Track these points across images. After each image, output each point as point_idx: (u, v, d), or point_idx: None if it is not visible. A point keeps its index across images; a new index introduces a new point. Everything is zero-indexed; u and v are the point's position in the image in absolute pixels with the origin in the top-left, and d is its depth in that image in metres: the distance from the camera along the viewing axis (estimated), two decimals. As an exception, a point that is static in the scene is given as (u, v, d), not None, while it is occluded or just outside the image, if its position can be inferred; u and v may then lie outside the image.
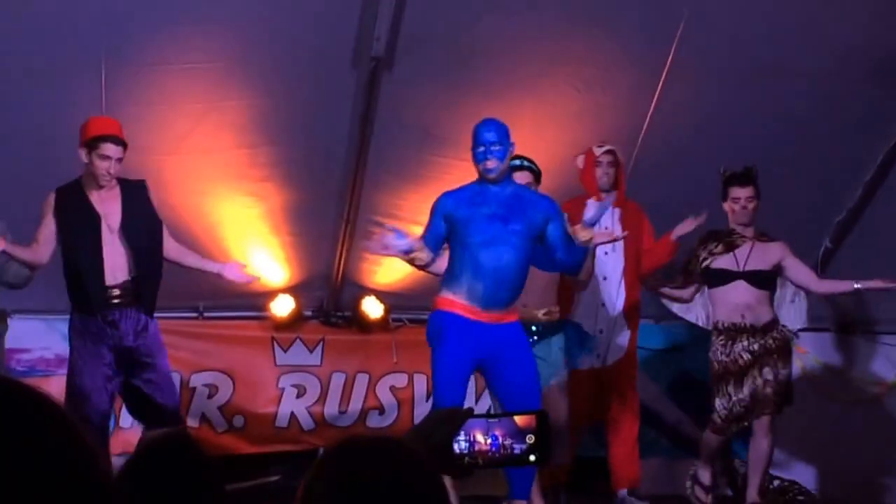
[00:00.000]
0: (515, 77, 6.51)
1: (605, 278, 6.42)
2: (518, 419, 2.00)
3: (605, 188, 6.30)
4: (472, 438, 1.97)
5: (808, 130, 6.19)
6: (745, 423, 6.41)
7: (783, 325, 6.57)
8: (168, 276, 5.85)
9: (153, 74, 6.14)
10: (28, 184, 6.03)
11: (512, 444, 1.99)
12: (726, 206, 6.38)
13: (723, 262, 6.40)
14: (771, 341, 6.37)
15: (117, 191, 5.77)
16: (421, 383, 7.15)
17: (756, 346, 6.35)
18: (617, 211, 6.31)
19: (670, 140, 6.72)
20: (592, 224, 5.35)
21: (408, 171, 6.71)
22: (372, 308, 7.24)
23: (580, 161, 6.40)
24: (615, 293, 6.48)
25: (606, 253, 6.33)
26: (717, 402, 6.39)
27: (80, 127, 5.70)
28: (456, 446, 1.95)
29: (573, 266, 5.55)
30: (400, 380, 7.27)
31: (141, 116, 6.17)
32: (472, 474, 3.09)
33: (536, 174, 6.03)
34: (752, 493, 6.45)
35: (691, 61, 6.55)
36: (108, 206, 5.75)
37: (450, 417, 1.99)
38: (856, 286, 6.37)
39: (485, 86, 6.49)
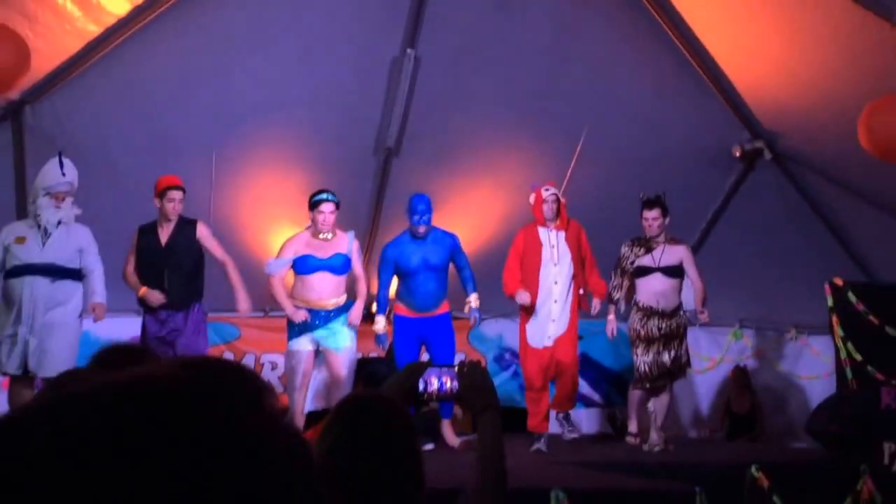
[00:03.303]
0: (480, 161, 8.58)
1: (556, 283, 7.30)
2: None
3: (549, 218, 7.31)
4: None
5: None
6: (657, 386, 7.36)
7: (684, 311, 7.51)
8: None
9: (246, 156, 8.32)
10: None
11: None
12: (642, 221, 7.41)
13: (645, 260, 7.45)
14: (675, 325, 7.38)
15: (174, 224, 7.03)
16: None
17: (664, 325, 7.34)
18: (561, 233, 7.33)
19: (577, 207, 7.88)
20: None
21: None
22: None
23: (532, 198, 7.41)
24: (565, 294, 7.29)
25: (556, 264, 7.28)
26: (634, 363, 7.47)
27: (154, 185, 7.01)
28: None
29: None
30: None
31: (238, 183, 8.46)
32: (428, 405, 5.43)
33: (336, 203, 7.06)
34: (654, 436, 7.46)
35: (590, 155, 8.49)
36: (165, 235, 7.01)
37: (418, 368, 2.37)
38: (698, 311, 7.39)
39: (460, 166, 8.48)
